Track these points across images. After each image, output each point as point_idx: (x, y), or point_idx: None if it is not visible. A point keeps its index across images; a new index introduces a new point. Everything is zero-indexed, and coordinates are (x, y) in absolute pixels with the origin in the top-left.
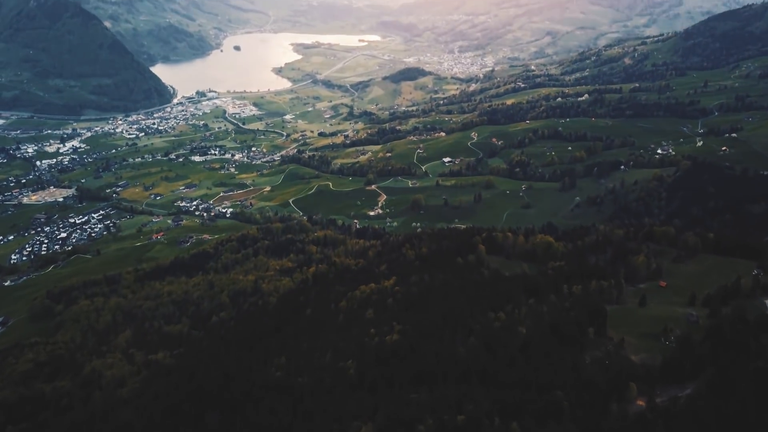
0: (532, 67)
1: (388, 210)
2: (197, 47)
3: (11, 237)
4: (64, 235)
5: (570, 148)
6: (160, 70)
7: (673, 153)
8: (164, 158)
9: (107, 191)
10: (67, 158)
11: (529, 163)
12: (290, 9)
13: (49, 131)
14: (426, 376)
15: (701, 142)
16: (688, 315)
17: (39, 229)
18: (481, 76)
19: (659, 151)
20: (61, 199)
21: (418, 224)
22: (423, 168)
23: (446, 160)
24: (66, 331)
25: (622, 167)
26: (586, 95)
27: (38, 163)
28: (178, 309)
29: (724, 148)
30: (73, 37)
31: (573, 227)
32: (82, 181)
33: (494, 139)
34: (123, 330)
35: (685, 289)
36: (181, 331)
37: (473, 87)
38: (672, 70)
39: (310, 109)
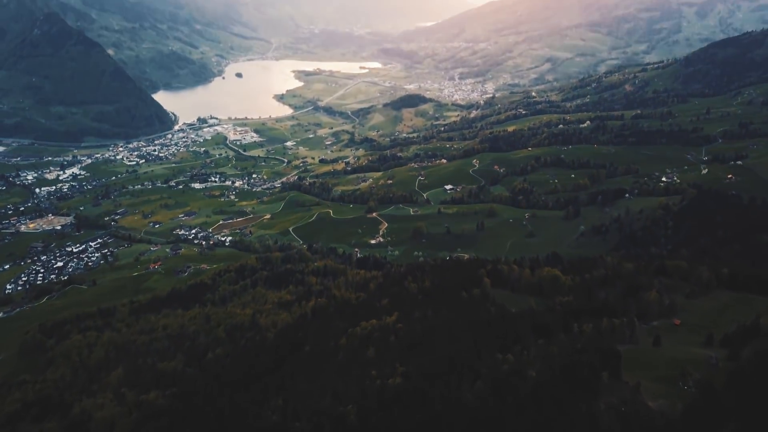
0: (533, 94)
1: (389, 238)
2: (199, 74)
3: (7, 266)
4: (60, 264)
5: (573, 175)
6: (161, 97)
7: (678, 181)
8: (164, 185)
9: (106, 219)
10: (67, 185)
11: (532, 191)
12: (292, 36)
13: (50, 158)
14: (431, 425)
15: (706, 170)
16: (707, 357)
17: (35, 257)
18: (482, 102)
19: (664, 178)
20: (59, 227)
21: (420, 253)
22: (424, 195)
23: (448, 187)
24: (56, 368)
25: (627, 195)
26: (588, 122)
27: (37, 190)
28: (173, 344)
29: (729, 176)
30: (75, 64)
31: (578, 256)
32: (81, 208)
33: (496, 167)
34: (115, 367)
35: (701, 327)
36: (175, 368)
37: (474, 114)
38: (673, 96)
39: (311, 135)
